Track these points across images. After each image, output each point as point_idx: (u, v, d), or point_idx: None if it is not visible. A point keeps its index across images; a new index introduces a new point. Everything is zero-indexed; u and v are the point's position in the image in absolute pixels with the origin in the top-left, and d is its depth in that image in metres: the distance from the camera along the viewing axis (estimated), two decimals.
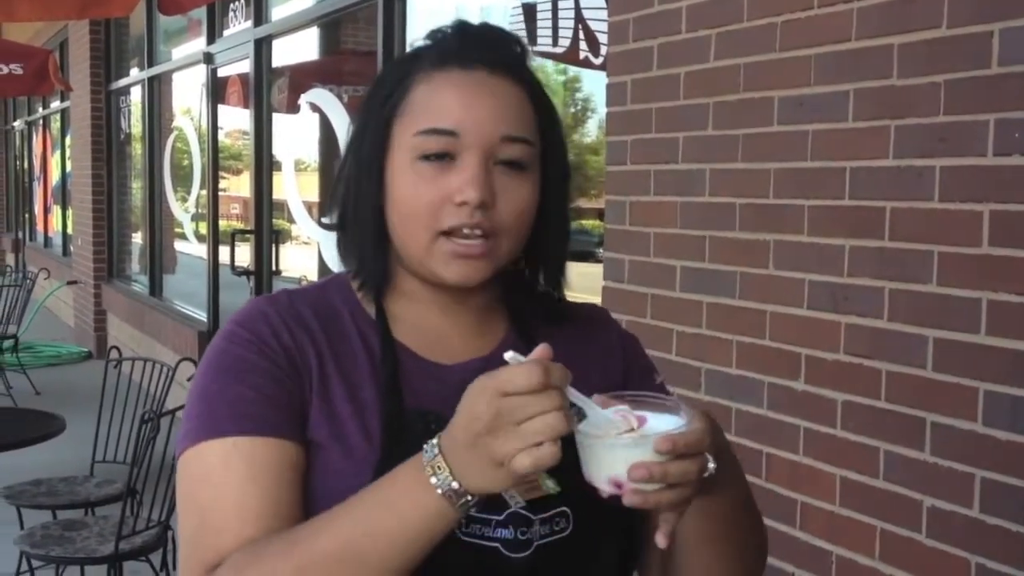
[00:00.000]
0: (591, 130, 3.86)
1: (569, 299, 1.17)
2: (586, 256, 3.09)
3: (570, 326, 1.15)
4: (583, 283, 3.00)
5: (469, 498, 0.87)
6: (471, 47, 1.04)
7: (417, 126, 1.01)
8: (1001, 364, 1.82)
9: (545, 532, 1.01)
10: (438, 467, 0.87)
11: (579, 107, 3.93)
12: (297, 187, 5.66)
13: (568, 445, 0.86)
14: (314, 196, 5.58)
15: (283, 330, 1.04)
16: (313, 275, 5.68)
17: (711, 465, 0.88)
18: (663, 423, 0.88)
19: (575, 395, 0.86)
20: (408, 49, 1.10)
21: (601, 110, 2.96)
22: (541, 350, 0.86)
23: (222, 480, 0.97)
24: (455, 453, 0.86)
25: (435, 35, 1.08)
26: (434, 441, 0.89)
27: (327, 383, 1.02)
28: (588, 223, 3.27)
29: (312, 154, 5.73)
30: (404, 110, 1.03)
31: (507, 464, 0.83)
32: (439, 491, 0.87)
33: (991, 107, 1.83)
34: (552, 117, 1.07)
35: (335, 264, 4.74)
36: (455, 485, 0.86)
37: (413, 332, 1.08)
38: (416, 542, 0.89)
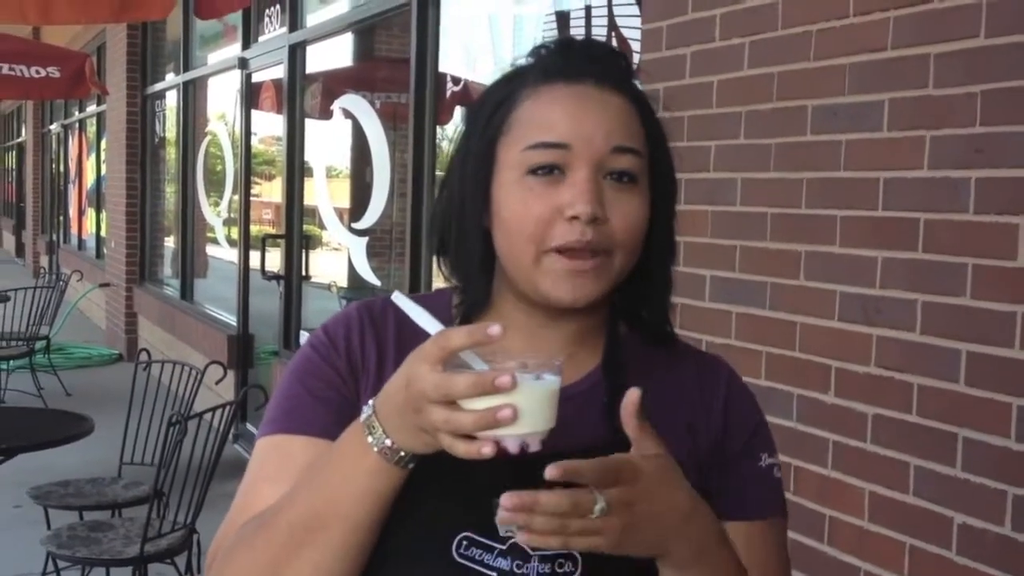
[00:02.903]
0: None
1: (686, 342, 1.12)
2: None
3: (667, 370, 1.08)
4: None
5: (403, 454, 0.90)
6: (576, 61, 1.02)
7: (525, 141, 0.99)
8: None
9: (545, 571, 0.98)
10: (372, 426, 0.91)
11: None
12: (328, 193, 5.68)
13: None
14: (345, 202, 5.60)
15: (356, 332, 1.07)
16: (343, 280, 5.71)
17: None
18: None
19: (473, 360, 0.88)
20: (509, 66, 1.08)
21: None
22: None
23: (260, 469, 1.04)
24: (388, 413, 0.90)
25: (538, 52, 1.05)
26: (371, 401, 0.92)
27: (383, 383, 0.99)
28: None
29: (344, 160, 5.76)
30: (510, 127, 1.01)
31: (432, 434, 0.86)
32: (375, 449, 0.90)
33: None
34: (660, 130, 1.05)
35: (365, 270, 4.76)
36: (388, 442, 0.90)
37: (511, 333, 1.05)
38: (364, 501, 0.92)
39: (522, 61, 1.06)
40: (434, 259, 1.11)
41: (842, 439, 2.17)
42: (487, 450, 0.84)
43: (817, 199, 2.26)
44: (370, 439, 0.91)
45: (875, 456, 2.09)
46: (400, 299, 0.94)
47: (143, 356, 4.60)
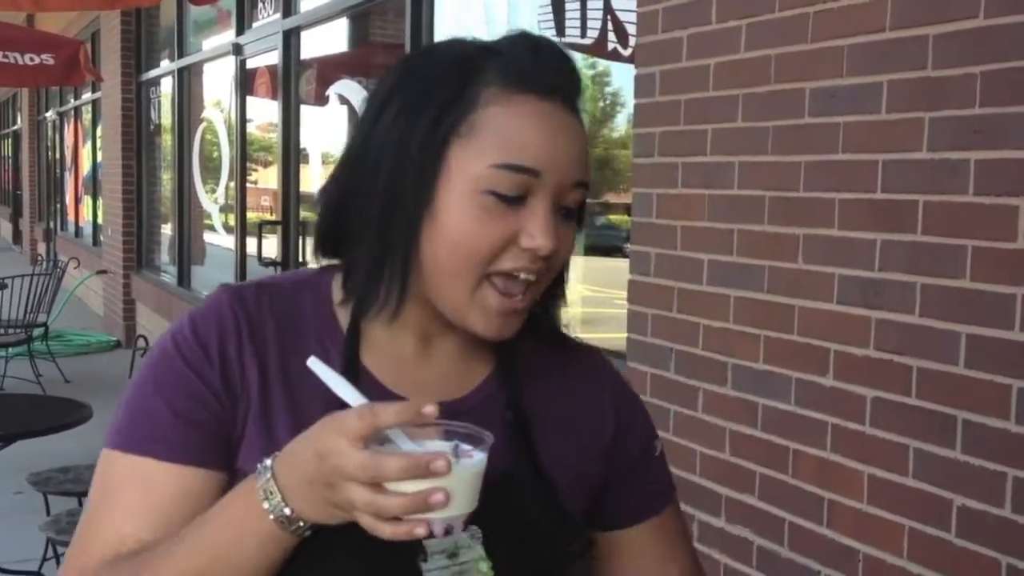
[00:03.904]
0: (620, 124, 3.83)
1: (568, 335, 1.09)
2: (612, 251, 3.07)
3: (560, 374, 1.06)
4: (609, 278, 2.98)
5: (302, 524, 0.83)
6: (548, 72, 0.94)
7: (492, 156, 0.90)
8: None
9: None
10: (270, 492, 0.83)
11: (608, 101, 3.90)
12: (324, 179, 5.66)
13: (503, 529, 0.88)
14: None
15: (232, 341, 0.95)
16: None
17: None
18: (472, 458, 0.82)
19: (397, 436, 0.81)
20: (455, 43, 0.97)
21: (630, 103, 2.93)
22: (402, 411, 0.78)
23: (116, 494, 0.94)
24: (291, 482, 0.82)
25: (499, 46, 0.95)
26: (268, 462, 0.84)
27: (270, 411, 0.94)
28: (615, 218, 3.25)
29: (340, 146, 5.74)
30: (471, 132, 0.91)
31: (347, 511, 0.80)
32: (271, 516, 0.83)
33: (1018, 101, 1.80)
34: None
35: None
36: (287, 511, 0.83)
37: (386, 359, 0.98)
38: (253, 566, 0.86)
39: (475, 45, 0.96)
40: (313, 246, 1.02)
41: (841, 422, 2.17)
42: (420, 531, 0.78)
43: (815, 182, 2.24)
44: (266, 505, 0.83)
45: (874, 439, 2.09)
46: (315, 364, 0.86)
47: (140, 342, 4.60)
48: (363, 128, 0.96)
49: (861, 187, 2.12)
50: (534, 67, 0.93)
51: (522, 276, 0.92)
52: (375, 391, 0.94)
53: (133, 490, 0.93)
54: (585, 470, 1.04)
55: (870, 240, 2.10)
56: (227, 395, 0.94)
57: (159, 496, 0.92)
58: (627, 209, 4.56)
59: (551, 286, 1.00)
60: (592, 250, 3.82)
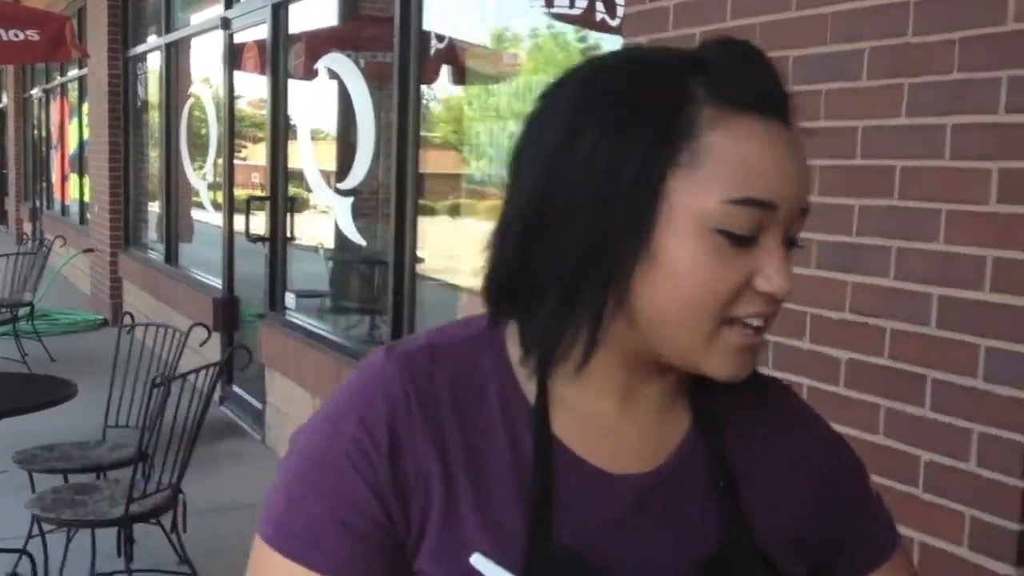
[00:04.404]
0: None
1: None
2: None
3: (761, 421, 0.94)
4: None
5: None
6: (764, 84, 0.81)
7: (725, 190, 0.78)
8: (1004, 321, 1.83)
9: None
10: None
11: None
12: (314, 154, 5.68)
13: None
14: (331, 164, 5.60)
15: (404, 429, 0.82)
16: (329, 242, 5.72)
17: None
18: None
19: None
20: (646, 56, 0.84)
21: None
22: None
23: None
24: None
25: (705, 57, 0.81)
26: None
27: (454, 506, 0.82)
28: None
29: (329, 122, 5.75)
30: (693, 161, 0.78)
31: None
32: None
33: (1005, 64, 1.84)
34: None
35: (350, 231, 4.76)
36: None
37: (577, 423, 0.86)
38: None
39: (675, 53, 0.83)
40: (484, 299, 0.88)
41: (816, 384, 2.22)
42: None
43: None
44: None
45: (847, 399, 2.14)
46: (479, 562, 0.79)
47: (126, 320, 4.61)
48: (542, 161, 0.82)
49: (841, 153, 2.16)
50: (751, 82, 0.81)
51: (755, 323, 0.81)
52: (570, 465, 0.84)
53: None
54: (799, 532, 0.92)
55: (848, 205, 2.14)
56: (400, 501, 0.82)
57: None
58: None
59: None
60: None
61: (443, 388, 0.84)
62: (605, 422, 0.87)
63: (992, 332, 1.84)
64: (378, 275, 5.22)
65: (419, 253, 4.56)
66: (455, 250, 4.78)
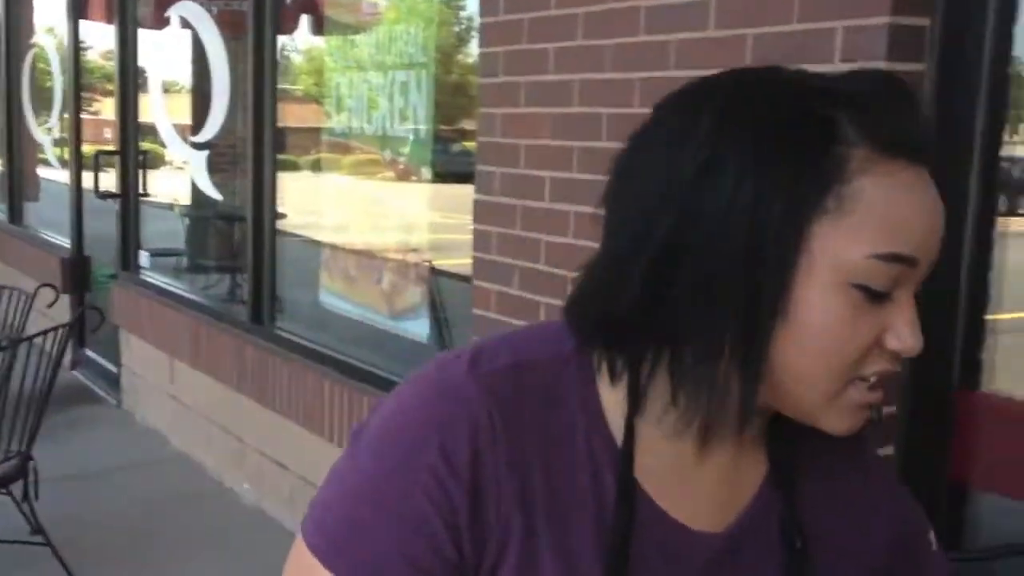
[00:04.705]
0: (473, 50, 3.86)
1: None
2: (467, 177, 3.10)
3: (834, 473, 0.89)
4: (464, 204, 3.02)
5: None
6: (915, 127, 0.75)
7: (874, 244, 0.72)
8: None
9: None
10: None
11: (463, 26, 3.91)
12: (166, 107, 5.49)
13: None
14: (185, 118, 5.42)
15: (488, 463, 0.75)
16: (185, 198, 5.55)
17: None
18: None
19: None
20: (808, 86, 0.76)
21: (470, 27, 2.97)
22: None
23: None
24: None
25: (853, 89, 0.75)
26: None
27: (534, 552, 0.77)
28: (470, 144, 3.27)
29: (183, 74, 5.56)
30: (840, 208, 0.72)
31: None
32: None
33: (842, 15, 1.91)
34: None
35: (206, 185, 4.62)
36: None
37: (656, 468, 0.80)
38: None
39: (825, 85, 0.75)
40: (579, 320, 0.80)
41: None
42: None
43: (650, 98, 2.32)
44: None
45: None
46: None
47: None
48: (670, 193, 0.74)
49: None
50: (903, 123, 0.74)
51: (875, 379, 0.77)
52: (650, 516, 0.80)
53: None
54: None
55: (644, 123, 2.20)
56: (475, 540, 0.76)
57: None
58: (468, 135, 4.54)
59: None
60: (447, 177, 3.85)
61: (529, 418, 0.77)
62: (683, 468, 0.81)
63: None
64: (237, 232, 5.10)
65: (280, 209, 4.48)
66: (317, 205, 4.71)
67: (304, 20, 4.54)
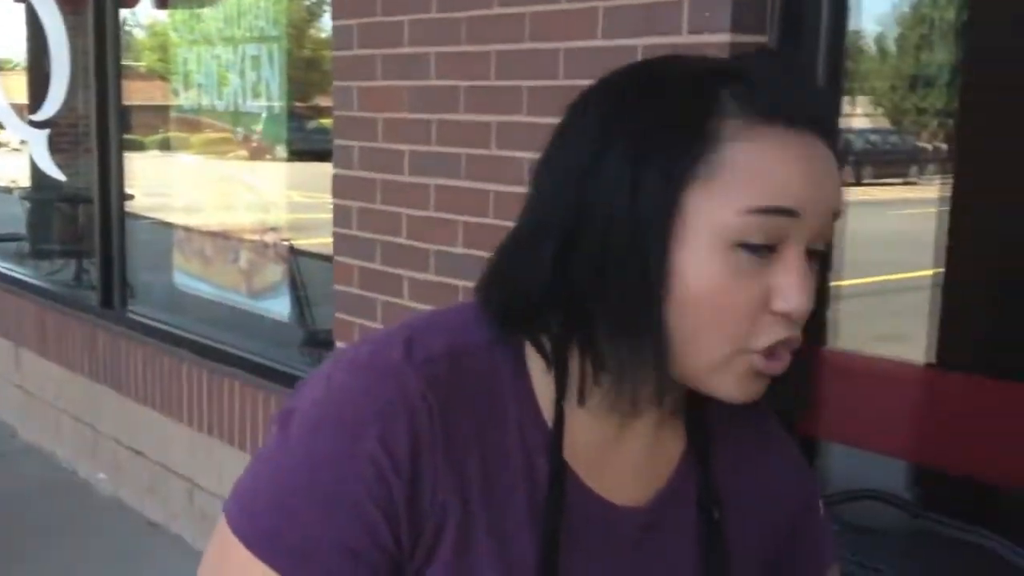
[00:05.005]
0: (327, 24, 3.80)
1: None
2: (324, 155, 3.06)
3: (749, 449, 0.92)
4: (322, 183, 2.99)
5: None
6: (797, 95, 0.78)
7: (746, 201, 0.74)
8: None
9: None
10: None
11: (314, 0, 3.85)
12: (2, 86, 5.22)
13: None
14: (23, 97, 5.18)
15: (427, 451, 0.76)
16: (25, 180, 5.30)
17: None
18: None
19: None
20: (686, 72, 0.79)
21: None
22: None
23: None
24: None
25: (737, 67, 0.78)
26: None
27: (470, 535, 0.78)
28: (327, 121, 3.23)
29: (19, 50, 5.30)
30: (712, 172, 0.74)
31: None
32: None
33: None
34: None
35: (47, 165, 4.43)
36: None
37: (582, 446, 0.82)
38: None
39: (707, 68, 0.79)
40: (495, 303, 0.81)
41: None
42: None
43: (505, 71, 2.35)
44: None
45: None
46: None
47: None
48: (570, 178, 0.77)
49: (545, 74, 2.25)
50: (786, 93, 0.77)
51: (780, 350, 0.77)
52: (580, 495, 0.82)
53: None
54: (769, 553, 0.93)
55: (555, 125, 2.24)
56: (413, 527, 0.76)
57: None
58: (323, 112, 4.48)
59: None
60: (303, 155, 3.79)
61: (465, 404, 0.78)
62: (608, 446, 0.83)
63: None
64: (82, 214, 4.91)
65: (129, 190, 4.33)
66: (168, 185, 4.58)
67: None
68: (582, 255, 0.76)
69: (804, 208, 0.75)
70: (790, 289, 0.74)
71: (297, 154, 3.75)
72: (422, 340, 0.80)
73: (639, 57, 2.06)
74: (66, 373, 4.49)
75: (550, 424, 0.80)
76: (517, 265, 0.79)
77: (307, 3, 3.74)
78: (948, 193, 2.91)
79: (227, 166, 4.03)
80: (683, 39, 1.98)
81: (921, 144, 11.09)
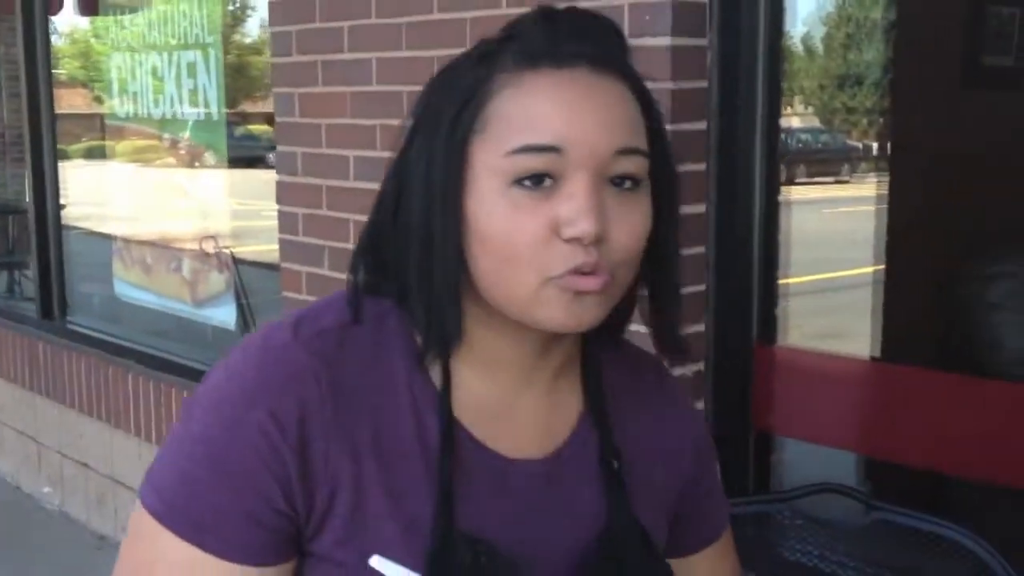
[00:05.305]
0: (252, 29, 3.76)
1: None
2: (255, 162, 3.05)
3: (648, 406, 0.98)
4: (256, 190, 2.97)
5: None
6: (565, 39, 0.83)
7: (508, 144, 0.80)
8: None
9: None
10: None
11: (237, 5, 3.82)
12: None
13: None
14: None
15: (317, 422, 0.81)
16: None
17: None
18: None
19: None
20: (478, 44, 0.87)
21: (261, 6, 2.91)
22: None
23: None
24: None
25: (515, 27, 0.85)
26: None
27: (364, 495, 0.83)
28: (255, 128, 3.21)
29: None
30: (485, 124, 0.81)
31: None
32: None
33: None
34: (659, 116, 0.88)
35: None
36: None
37: (475, 406, 0.88)
38: None
39: (495, 37, 0.86)
40: (350, 277, 0.89)
41: None
42: None
43: None
44: None
45: None
46: (383, 565, 0.80)
47: None
48: (394, 159, 0.87)
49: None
50: (550, 39, 0.82)
51: (581, 270, 0.81)
52: (472, 450, 0.87)
53: None
54: (668, 506, 0.99)
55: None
56: (306, 491, 0.82)
57: None
58: (267, 119, 4.45)
59: (662, 292, 0.91)
60: (235, 162, 3.76)
61: (354, 374, 0.84)
62: (502, 405, 0.89)
63: None
64: (13, 225, 4.83)
65: (63, 200, 4.27)
66: (102, 195, 4.52)
67: (71, 1, 4.30)
68: (404, 223, 0.84)
69: (568, 143, 0.80)
70: (571, 215, 0.79)
71: (231, 161, 3.73)
72: (311, 320, 0.87)
73: None
74: (5, 386, 4.41)
75: (438, 384, 0.86)
76: (369, 236, 0.89)
77: (230, 8, 3.71)
78: (881, 191, 2.99)
79: (157, 174, 4.00)
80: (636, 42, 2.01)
81: (851, 143, 11.30)
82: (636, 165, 0.83)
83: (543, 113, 0.80)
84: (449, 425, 0.85)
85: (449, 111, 0.82)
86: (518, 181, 0.80)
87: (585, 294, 0.81)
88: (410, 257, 0.84)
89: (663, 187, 0.87)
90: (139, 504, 0.84)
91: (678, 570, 0.97)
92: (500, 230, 0.80)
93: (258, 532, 0.81)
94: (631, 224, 0.82)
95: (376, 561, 0.80)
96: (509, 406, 0.90)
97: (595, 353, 0.94)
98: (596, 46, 0.83)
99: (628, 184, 0.82)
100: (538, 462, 0.90)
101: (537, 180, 0.80)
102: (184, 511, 0.81)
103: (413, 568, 0.81)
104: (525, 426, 0.90)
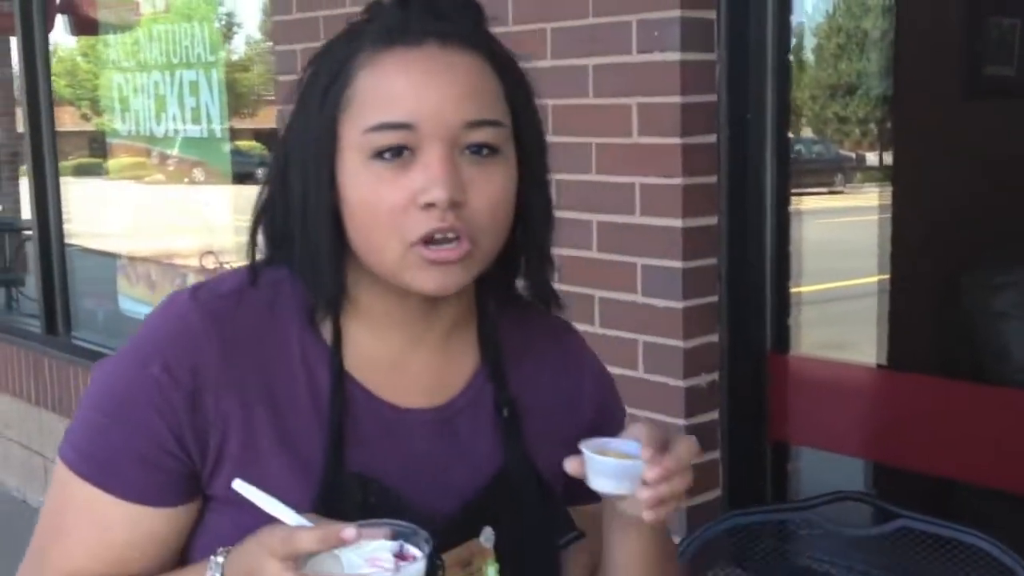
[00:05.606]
0: (238, 47, 3.76)
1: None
2: (245, 178, 3.06)
3: (543, 359, 1.03)
4: (247, 205, 2.98)
5: None
6: (416, 18, 0.89)
7: (366, 121, 0.87)
8: (653, 240, 2.03)
9: None
10: None
11: (223, 23, 3.83)
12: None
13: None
14: None
15: (209, 377, 0.89)
16: None
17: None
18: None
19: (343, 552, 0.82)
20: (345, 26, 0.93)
21: (247, 24, 2.93)
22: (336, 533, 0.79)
23: (72, 524, 0.93)
24: None
25: (374, 8, 0.91)
26: (219, 560, 0.86)
27: (255, 443, 0.90)
28: (244, 144, 3.22)
29: None
30: (349, 103, 0.88)
31: None
32: None
33: (633, 9, 2.02)
34: (522, 86, 0.94)
35: None
36: None
37: (367, 360, 0.95)
38: None
39: (357, 19, 0.92)
40: (250, 247, 0.96)
41: None
42: None
43: None
44: None
45: None
46: (241, 487, 0.84)
47: None
48: (286, 129, 0.94)
49: None
50: (402, 19, 0.89)
51: (438, 236, 0.87)
52: (363, 400, 0.94)
53: (89, 525, 0.92)
54: (566, 456, 1.00)
55: None
56: (198, 438, 0.90)
57: (115, 534, 0.91)
58: (255, 135, 4.45)
59: (520, 241, 0.95)
60: (235, 177, 3.77)
61: (247, 331, 0.92)
62: (393, 359, 0.96)
63: (647, 252, 2.05)
64: (10, 242, 4.83)
65: (66, 216, 4.28)
66: (103, 212, 4.52)
67: (60, 20, 4.30)
68: (287, 192, 0.92)
69: (420, 118, 0.86)
70: (426, 184, 0.86)
71: (216, 176, 3.74)
72: (212, 285, 0.96)
73: (589, 78, 2.10)
74: (10, 401, 4.41)
75: (329, 342, 0.93)
76: (262, 205, 0.95)
77: (217, 26, 3.71)
78: (881, 201, 3.00)
79: (158, 191, 4.00)
80: (632, 58, 2.03)
81: (844, 152, 11.27)
82: (490, 135, 0.88)
83: (396, 91, 0.87)
84: (339, 377, 0.92)
85: (319, 89, 0.90)
86: (378, 155, 0.87)
87: (445, 264, 0.88)
88: (294, 225, 0.91)
89: (528, 153, 0.92)
90: (58, 457, 0.93)
91: (585, 520, 1.01)
92: (364, 200, 0.87)
93: (155, 474, 0.89)
94: (489, 190, 0.88)
95: (238, 484, 0.84)
96: (401, 361, 0.96)
97: (491, 312, 1.00)
98: (447, 23, 0.89)
99: (485, 152, 0.88)
100: (430, 410, 0.96)
101: (396, 152, 0.87)
102: (89, 456, 0.90)
103: (299, 507, 0.84)
104: (418, 378, 0.96)
